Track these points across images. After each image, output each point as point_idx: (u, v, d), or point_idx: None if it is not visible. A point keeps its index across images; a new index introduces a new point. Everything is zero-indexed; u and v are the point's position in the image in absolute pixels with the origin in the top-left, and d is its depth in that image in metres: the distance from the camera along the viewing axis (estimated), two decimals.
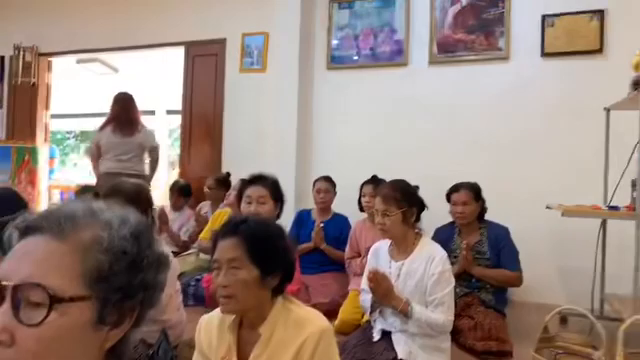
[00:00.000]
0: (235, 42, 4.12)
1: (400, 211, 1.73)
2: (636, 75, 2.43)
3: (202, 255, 3.34)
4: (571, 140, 3.19)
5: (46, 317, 0.56)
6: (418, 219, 1.81)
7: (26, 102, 4.74)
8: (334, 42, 3.87)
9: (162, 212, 3.03)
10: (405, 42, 3.65)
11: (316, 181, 3.34)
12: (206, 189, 3.70)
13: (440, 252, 1.72)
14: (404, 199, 1.75)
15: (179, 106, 6.84)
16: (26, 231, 0.63)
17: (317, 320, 1.17)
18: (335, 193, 3.31)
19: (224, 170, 4.03)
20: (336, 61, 3.86)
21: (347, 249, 2.92)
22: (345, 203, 3.30)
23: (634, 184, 2.52)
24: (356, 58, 3.81)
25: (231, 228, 1.19)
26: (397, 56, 3.68)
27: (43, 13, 4.83)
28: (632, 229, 2.36)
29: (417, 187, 1.89)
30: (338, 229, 3.16)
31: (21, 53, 4.67)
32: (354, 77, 3.80)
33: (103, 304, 0.61)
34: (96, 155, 3.57)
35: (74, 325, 0.59)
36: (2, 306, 0.57)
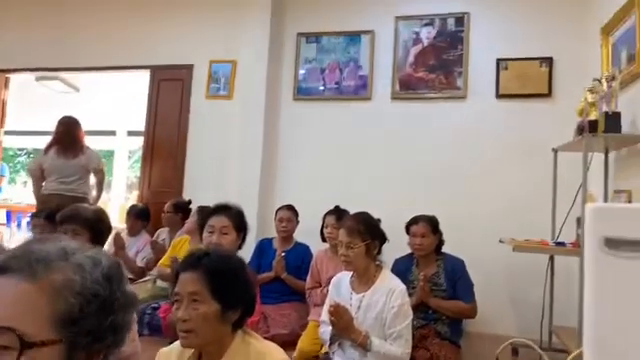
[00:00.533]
0: (202, 68, 4.15)
1: (363, 244, 1.78)
2: (580, 120, 2.63)
3: (159, 282, 3.26)
4: (522, 177, 3.36)
5: None
6: (379, 252, 1.86)
7: None
8: (301, 74, 3.96)
9: (117, 236, 2.94)
10: (369, 77, 3.79)
11: (278, 210, 3.36)
12: (163, 214, 3.64)
13: (400, 285, 1.77)
14: (367, 232, 1.80)
15: (141, 127, 6.74)
16: None
17: (276, 354, 1.18)
18: (297, 222, 3.33)
19: (185, 196, 3.98)
20: (302, 92, 3.95)
21: (308, 279, 2.93)
22: (307, 232, 3.33)
23: (579, 221, 2.69)
24: (322, 89, 3.91)
25: (193, 261, 1.19)
26: (361, 90, 3.81)
27: (3, 29, 4.71)
28: (577, 264, 2.51)
29: (379, 220, 1.95)
30: (299, 258, 3.17)
31: None
32: (320, 109, 3.89)
33: (72, 347, 0.61)
34: (39, 177, 3.62)
35: None
36: None
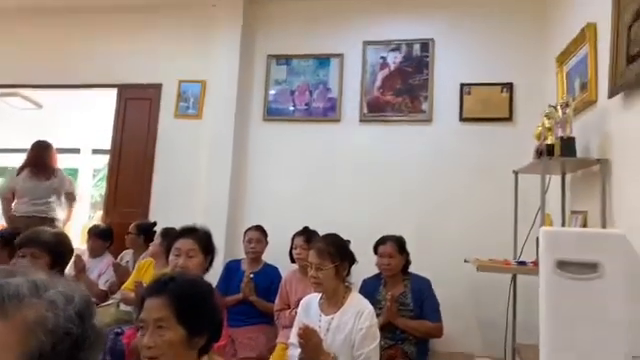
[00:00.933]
0: (171, 88, 4.13)
1: (333, 265, 1.80)
2: (538, 144, 2.75)
3: (122, 306, 3.17)
4: (486, 198, 3.47)
5: None
6: (349, 273, 1.88)
7: None
8: (271, 95, 3.99)
9: (78, 258, 2.84)
10: (338, 100, 3.86)
11: (247, 230, 3.34)
12: (126, 235, 3.56)
13: (368, 307, 1.79)
14: (337, 253, 1.82)
15: (106, 145, 6.59)
16: None
17: None
18: (266, 243, 3.32)
19: (152, 216, 3.91)
20: (272, 113, 3.97)
21: (277, 300, 2.91)
22: (276, 253, 3.33)
23: (538, 241, 2.79)
24: (292, 111, 3.95)
25: (159, 287, 1.18)
26: (330, 112, 3.87)
27: None
28: (538, 283, 2.60)
29: (349, 241, 1.97)
30: (268, 280, 3.15)
31: None
32: (289, 130, 3.92)
33: None
34: (10, 199, 3.71)
35: None
36: None
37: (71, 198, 3.87)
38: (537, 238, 2.76)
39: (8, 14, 4.52)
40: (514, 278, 3.05)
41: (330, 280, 1.79)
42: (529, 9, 3.61)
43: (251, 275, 3.08)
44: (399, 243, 2.69)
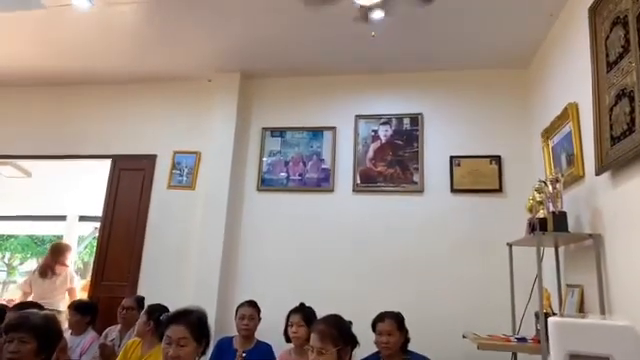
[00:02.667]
0: (165, 159, 4.17)
1: (336, 349, 1.74)
2: (530, 217, 2.80)
3: None
4: (480, 271, 3.46)
5: None
6: (351, 357, 1.82)
7: None
8: (265, 165, 4.05)
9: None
10: (332, 170, 3.93)
11: (240, 306, 3.23)
12: (121, 310, 3.41)
13: None
14: (340, 337, 1.77)
15: (93, 213, 6.51)
16: None
17: None
18: (260, 319, 3.22)
19: (140, 290, 3.80)
20: (266, 183, 4.02)
21: None
22: (270, 329, 3.22)
23: (537, 316, 2.76)
24: (286, 181, 3.99)
25: None
26: (324, 182, 3.92)
27: None
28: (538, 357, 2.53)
29: (351, 323, 1.93)
30: (261, 359, 3.02)
31: None
32: (283, 199, 3.95)
33: None
34: (28, 293, 4.42)
35: None
36: None
37: (72, 293, 4.51)
38: (536, 313, 2.74)
39: (3, 86, 4.62)
40: (514, 355, 2.98)
41: None
42: (514, 86, 3.81)
43: (243, 354, 2.95)
44: (398, 320, 2.63)
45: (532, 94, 3.66)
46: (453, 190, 3.70)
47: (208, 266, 3.71)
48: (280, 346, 3.04)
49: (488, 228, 3.53)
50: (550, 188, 2.61)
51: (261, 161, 4.07)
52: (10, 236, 11.81)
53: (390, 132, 3.94)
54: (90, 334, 3.49)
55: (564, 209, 2.55)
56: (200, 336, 1.95)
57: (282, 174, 4.02)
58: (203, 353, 1.99)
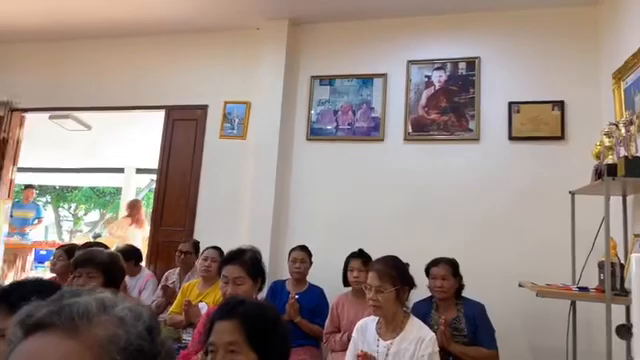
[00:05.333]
0: (217, 109, 4.21)
1: (394, 289, 1.75)
2: (597, 164, 2.63)
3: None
4: (539, 220, 3.34)
5: None
6: (407, 298, 1.82)
7: None
8: (314, 115, 4.01)
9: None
10: (382, 119, 3.83)
11: (292, 250, 3.32)
12: (179, 254, 3.57)
13: (429, 333, 1.73)
14: (398, 277, 1.77)
15: (150, 165, 6.79)
16: (34, 328, 0.58)
17: None
18: (311, 263, 3.29)
19: (196, 236, 3.96)
20: (315, 133, 3.99)
21: (327, 323, 2.85)
22: (319, 274, 3.29)
23: (600, 266, 2.64)
24: (335, 130, 3.95)
25: (229, 310, 1.16)
26: (374, 132, 3.84)
27: (20, 69, 4.83)
28: (598, 308, 2.45)
29: (408, 265, 1.92)
30: (313, 301, 3.11)
31: None
32: (332, 149, 3.92)
33: None
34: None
35: None
36: None
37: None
38: (599, 262, 2.63)
39: (60, 42, 4.76)
40: (573, 305, 2.89)
41: (390, 304, 1.74)
42: (581, 25, 3.51)
43: (296, 296, 3.04)
44: (452, 265, 2.60)
45: (602, 33, 3.37)
46: (511, 138, 3.52)
47: (260, 212, 3.79)
48: (329, 289, 3.10)
49: (548, 176, 3.37)
50: (623, 131, 2.42)
51: (310, 110, 4.02)
52: (74, 188, 12.59)
53: (444, 77, 3.77)
54: (145, 273, 3.70)
55: (638, 154, 2.37)
56: (255, 274, 2.01)
57: (331, 123, 3.97)
58: (260, 290, 2.05)
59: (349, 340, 2.61)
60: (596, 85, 3.36)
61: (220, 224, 3.97)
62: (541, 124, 3.48)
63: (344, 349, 2.63)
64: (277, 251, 3.73)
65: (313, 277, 3.30)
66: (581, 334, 2.93)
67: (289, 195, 3.94)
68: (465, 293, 2.74)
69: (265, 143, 3.92)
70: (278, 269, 3.64)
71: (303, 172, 3.95)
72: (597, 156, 2.67)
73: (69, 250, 3.08)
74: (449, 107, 3.72)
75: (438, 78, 3.79)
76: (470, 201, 3.50)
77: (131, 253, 3.59)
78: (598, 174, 2.57)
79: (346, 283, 2.94)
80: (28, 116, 4.88)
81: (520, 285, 2.80)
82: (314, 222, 3.82)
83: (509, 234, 3.38)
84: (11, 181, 4.65)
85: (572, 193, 2.94)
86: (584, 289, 2.47)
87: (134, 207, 5.99)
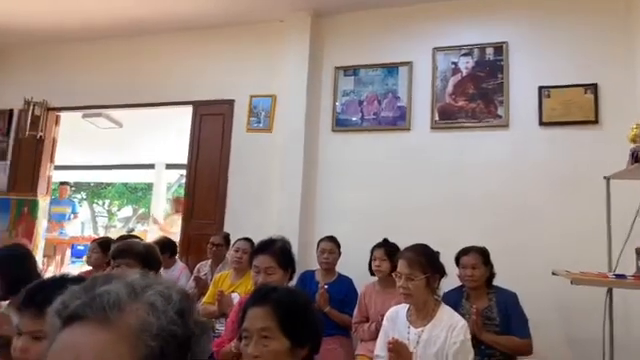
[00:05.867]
0: (243, 103, 4.26)
1: (424, 276, 1.74)
2: (633, 147, 2.54)
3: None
4: (572, 207, 3.25)
5: None
6: (438, 286, 1.81)
7: (30, 155, 4.78)
8: (339, 106, 4.01)
9: None
10: (408, 108, 3.80)
11: (320, 241, 3.34)
12: (210, 246, 3.65)
13: (461, 320, 1.72)
14: (428, 264, 1.76)
15: (179, 160, 6.93)
16: (69, 319, 0.60)
17: None
18: (339, 254, 3.30)
19: (226, 228, 4.03)
20: (341, 124, 3.98)
21: (355, 313, 2.87)
22: (348, 265, 3.30)
23: (638, 252, 2.56)
24: (360, 121, 3.94)
25: (261, 297, 1.19)
26: (400, 121, 3.82)
27: (54, 69, 4.99)
28: (636, 296, 2.38)
29: (438, 253, 1.91)
30: (343, 291, 3.13)
31: (31, 107, 4.76)
32: (358, 140, 3.91)
33: None
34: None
35: None
36: None
37: None
38: (637, 249, 2.55)
39: (90, 42, 4.88)
40: (610, 292, 2.81)
41: (420, 291, 1.74)
42: (612, 3, 3.38)
43: (325, 286, 3.07)
44: (483, 254, 2.57)
45: (636, 11, 3.23)
46: (542, 123, 3.44)
47: (288, 204, 3.83)
48: (359, 280, 3.11)
49: (582, 162, 3.28)
50: None
51: (335, 101, 4.02)
52: (108, 185, 12.98)
53: (471, 64, 3.70)
54: (179, 265, 3.80)
55: None
56: (286, 264, 2.04)
57: (356, 114, 3.95)
58: (290, 279, 2.08)
59: (377, 329, 2.63)
60: (630, 66, 3.24)
61: (249, 216, 4.03)
62: (573, 108, 3.38)
63: (373, 338, 2.65)
64: (306, 242, 3.76)
65: (342, 267, 3.32)
66: (618, 323, 2.84)
67: (316, 186, 3.96)
68: (497, 282, 2.70)
69: (291, 135, 3.94)
70: (307, 260, 3.67)
71: (329, 163, 3.96)
72: (633, 140, 2.58)
73: (103, 243, 3.19)
74: (477, 94, 3.65)
75: (465, 64, 3.72)
76: (500, 189, 3.44)
77: (166, 245, 3.67)
78: (634, 158, 2.48)
79: (373, 273, 2.95)
80: (63, 115, 5.05)
81: (554, 273, 2.74)
82: (342, 213, 3.82)
83: (541, 221, 3.31)
84: (49, 178, 4.84)
85: (607, 178, 2.85)
86: (621, 276, 2.40)
87: (180, 202, 6.13)
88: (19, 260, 2.02)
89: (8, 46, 5.15)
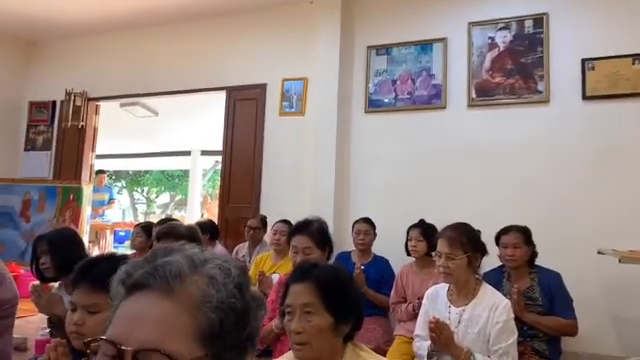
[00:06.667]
0: (275, 87, 4.26)
1: (466, 255, 1.71)
2: None
3: None
4: (618, 183, 3.12)
5: None
6: (479, 265, 1.78)
7: (73, 144, 4.96)
8: (372, 87, 3.95)
9: None
10: (443, 86, 3.71)
11: (355, 222, 3.34)
12: (248, 230, 3.70)
13: (504, 300, 1.69)
14: (469, 243, 1.73)
15: (213, 147, 7.04)
16: (133, 288, 0.61)
17: None
18: (375, 235, 3.29)
19: (262, 211, 4.08)
20: (374, 105, 3.93)
21: (392, 294, 2.87)
22: (384, 245, 3.28)
23: None
24: (394, 101, 3.87)
25: (303, 273, 1.20)
26: (435, 99, 3.73)
27: (92, 60, 5.13)
28: None
29: (479, 232, 1.87)
30: (379, 272, 3.12)
31: (72, 98, 4.93)
32: (392, 120, 3.86)
33: None
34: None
35: None
36: None
37: None
38: None
39: (125, 32, 4.98)
40: None
41: (461, 271, 1.71)
42: None
43: (362, 267, 3.07)
44: (524, 233, 2.50)
45: None
46: (585, 97, 3.29)
47: (322, 186, 3.84)
48: (397, 261, 3.10)
49: (628, 137, 3.13)
50: None
51: (367, 82, 3.97)
52: (145, 172, 13.36)
53: (509, 38, 3.56)
54: (218, 248, 3.87)
55: None
56: (323, 244, 2.04)
57: (390, 94, 3.89)
58: (328, 259, 2.09)
59: (414, 310, 2.63)
60: None
61: (284, 199, 4.06)
62: (620, 80, 3.22)
63: (410, 319, 2.65)
64: (340, 223, 3.76)
65: (379, 248, 3.31)
66: None
67: (349, 168, 3.94)
68: (539, 262, 2.63)
69: (323, 118, 3.93)
70: (342, 241, 3.67)
71: (363, 145, 3.93)
72: None
73: (146, 227, 3.30)
74: (515, 69, 3.52)
75: (502, 39, 3.59)
76: (541, 166, 3.33)
77: (207, 227, 3.76)
78: None
79: (409, 253, 2.92)
80: (102, 105, 5.20)
81: (599, 252, 2.65)
82: (376, 194, 3.80)
83: (586, 199, 3.19)
84: (91, 166, 5.02)
85: None
86: None
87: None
88: (69, 242, 2.11)
89: (47, 40, 5.33)
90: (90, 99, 5.02)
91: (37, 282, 2.25)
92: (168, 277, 0.60)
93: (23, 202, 4.79)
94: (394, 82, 3.89)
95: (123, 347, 0.56)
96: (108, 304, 1.17)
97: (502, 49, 3.58)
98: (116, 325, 0.60)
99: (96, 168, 5.65)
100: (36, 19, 4.78)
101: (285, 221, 3.29)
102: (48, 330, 2.29)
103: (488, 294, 1.73)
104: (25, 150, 5.22)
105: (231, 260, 0.68)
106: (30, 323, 3.50)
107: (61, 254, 2.00)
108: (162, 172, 13.19)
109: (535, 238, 2.63)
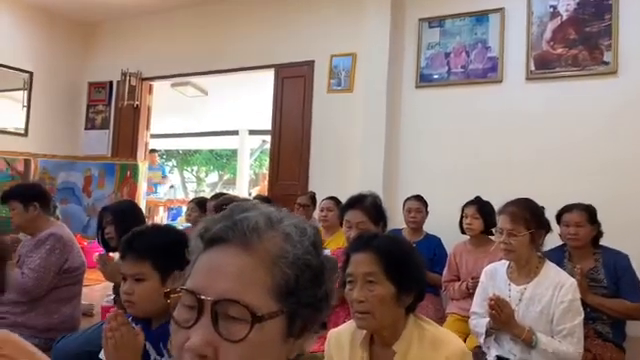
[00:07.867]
0: (323, 63, 4.21)
1: (528, 232, 1.64)
2: None
3: None
4: None
5: (248, 334, 0.55)
6: (542, 243, 1.70)
7: (129, 123, 5.15)
8: (423, 61, 3.83)
9: None
10: (499, 58, 3.54)
11: (407, 200, 3.29)
12: (297, 207, 3.73)
13: (569, 279, 1.61)
14: (533, 219, 1.65)
15: (261, 126, 7.10)
16: (211, 242, 0.62)
17: (456, 340, 1.13)
18: (427, 212, 3.23)
19: (310, 188, 4.09)
20: (425, 79, 3.82)
21: (445, 272, 2.82)
22: (436, 225, 3.22)
23: None
24: (447, 75, 3.74)
25: (364, 243, 1.19)
26: (491, 72, 3.57)
27: (146, 41, 5.26)
28: None
29: (543, 208, 1.78)
30: (431, 250, 3.08)
31: (127, 78, 5.10)
32: (444, 95, 3.73)
33: (292, 318, 0.61)
34: None
35: (270, 340, 0.59)
36: (201, 320, 0.57)
37: None
38: None
39: (174, 11, 5.05)
40: None
41: (524, 248, 1.64)
42: None
43: (414, 245, 3.02)
44: (589, 212, 2.36)
45: None
46: None
47: (371, 164, 3.79)
48: (450, 240, 3.03)
49: None
50: None
51: (419, 56, 3.84)
52: (195, 151, 13.74)
53: (573, 5, 3.34)
54: None
55: None
56: (377, 219, 2.02)
57: (442, 68, 3.76)
58: None
59: (468, 288, 2.57)
60: None
61: (332, 176, 4.05)
62: None
63: (464, 297, 2.60)
64: (390, 201, 3.69)
65: (431, 227, 3.25)
66: None
67: (399, 145, 3.87)
68: (606, 242, 2.49)
69: (372, 94, 3.86)
70: (391, 219, 3.62)
71: (413, 121, 3.83)
72: None
73: (200, 202, 3.40)
74: (579, 39, 3.31)
75: (565, 7, 3.37)
76: (607, 142, 3.13)
77: (262, 200, 3.82)
78: None
79: (464, 231, 2.85)
80: (155, 85, 5.35)
81: None
82: (428, 171, 3.71)
83: None
84: (146, 144, 5.21)
85: None
86: None
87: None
88: (131, 213, 2.21)
89: (103, 22, 5.51)
90: (144, 79, 5.18)
91: (102, 252, 2.37)
92: (246, 231, 0.60)
93: (85, 178, 5.05)
94: (447, 55, 3.76)
95: (203, 297, 0.57)
96: (153, 272, 1.22)
97: (565, 18, 3.36)
98: (195, 276, 0.61)
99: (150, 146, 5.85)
100: (93, 1, 4.94)
101: (332, 198, 3.29)
102: (113, 297, 2.42)
103: (552, 272, 1.66)
104: (85, 129, 5.47)
105: (305, 220, 0.69)
106: (95, 291, 3.73)
107: (124, 224, 2.10)
108: (211, 151, 13.51)
109: (601, 217, 2.49)
